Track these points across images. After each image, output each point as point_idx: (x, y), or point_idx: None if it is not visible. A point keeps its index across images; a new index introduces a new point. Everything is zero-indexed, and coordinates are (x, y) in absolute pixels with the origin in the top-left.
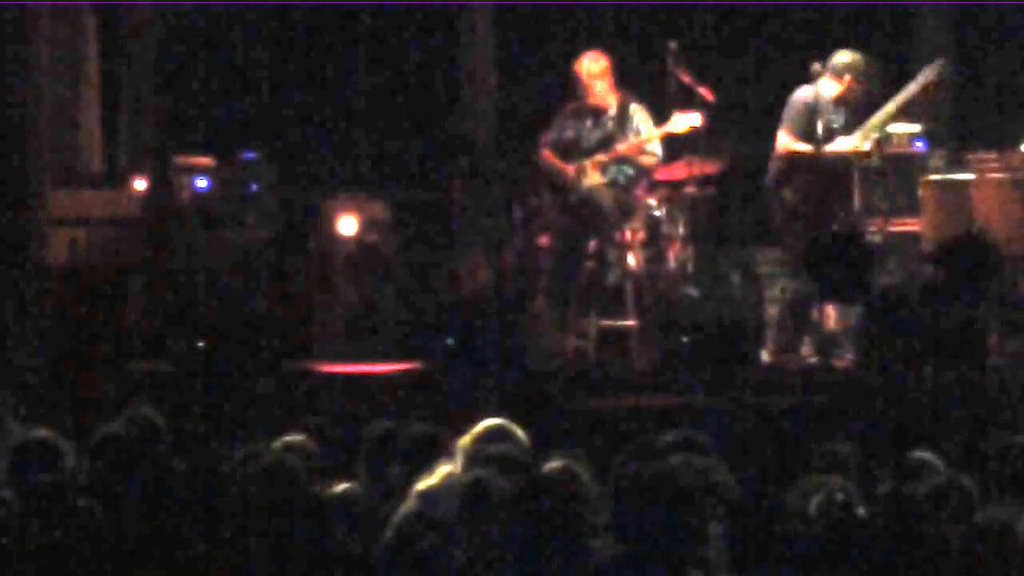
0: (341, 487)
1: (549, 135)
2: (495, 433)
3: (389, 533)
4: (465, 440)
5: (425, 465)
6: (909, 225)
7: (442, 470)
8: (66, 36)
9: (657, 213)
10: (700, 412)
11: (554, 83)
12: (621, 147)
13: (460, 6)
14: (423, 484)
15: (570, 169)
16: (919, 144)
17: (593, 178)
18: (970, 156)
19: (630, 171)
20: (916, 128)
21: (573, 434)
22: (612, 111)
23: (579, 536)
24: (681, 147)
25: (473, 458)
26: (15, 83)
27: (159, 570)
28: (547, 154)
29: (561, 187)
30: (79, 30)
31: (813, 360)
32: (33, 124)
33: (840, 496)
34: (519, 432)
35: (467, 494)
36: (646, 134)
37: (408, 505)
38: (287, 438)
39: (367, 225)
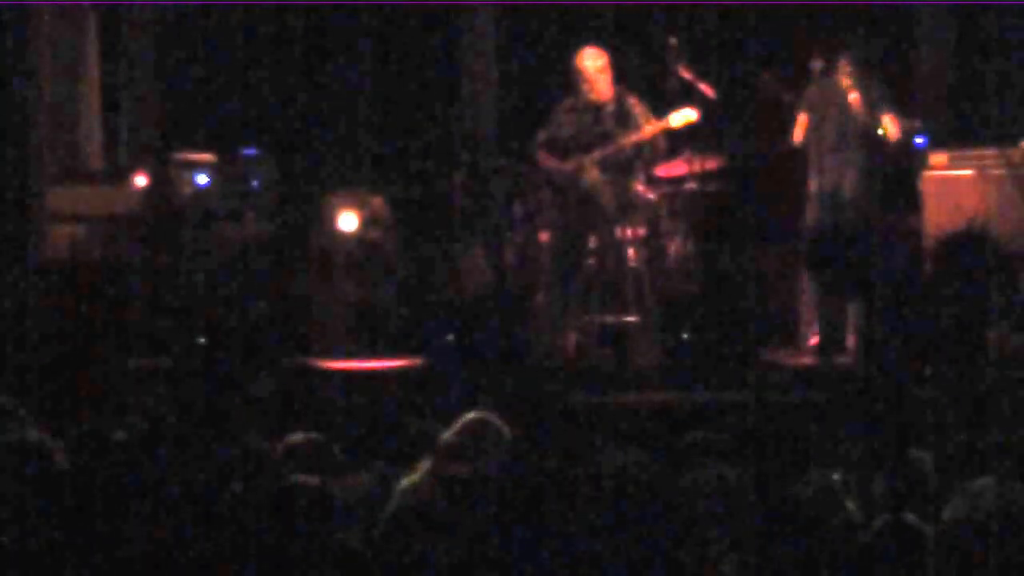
0: (341, 484)
1: (545, 133)
2: (476, 427)
3: (378, 530)
4: (445, 436)
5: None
6: (910, 222)
7: (424, 466)
8: (66, 36)
9: (658, 209)
10: (701, 409)
11: (554, 81)
12: (627, 139)
13: (461, 5)
14: (406, 481)
15: (569, 166)
16: (919, 141)
17: (593, 174)
18: (971, 153)
19: (630, 167)
20: (917, 125)
21: (572, 431)
22: (611, 106)
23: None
24: (681, 143)
25: (453, 454)
26: (15, 83)
27: (158, 568)
28: (543, 154)
29: (561, 184)
30: (79, 30)
31: (813, 359)
32: (33, 123)
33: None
34: (500, 424)
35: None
36: (647, 125)
37: (392, 502)
38: (287, 435)
39: (367, 222)
